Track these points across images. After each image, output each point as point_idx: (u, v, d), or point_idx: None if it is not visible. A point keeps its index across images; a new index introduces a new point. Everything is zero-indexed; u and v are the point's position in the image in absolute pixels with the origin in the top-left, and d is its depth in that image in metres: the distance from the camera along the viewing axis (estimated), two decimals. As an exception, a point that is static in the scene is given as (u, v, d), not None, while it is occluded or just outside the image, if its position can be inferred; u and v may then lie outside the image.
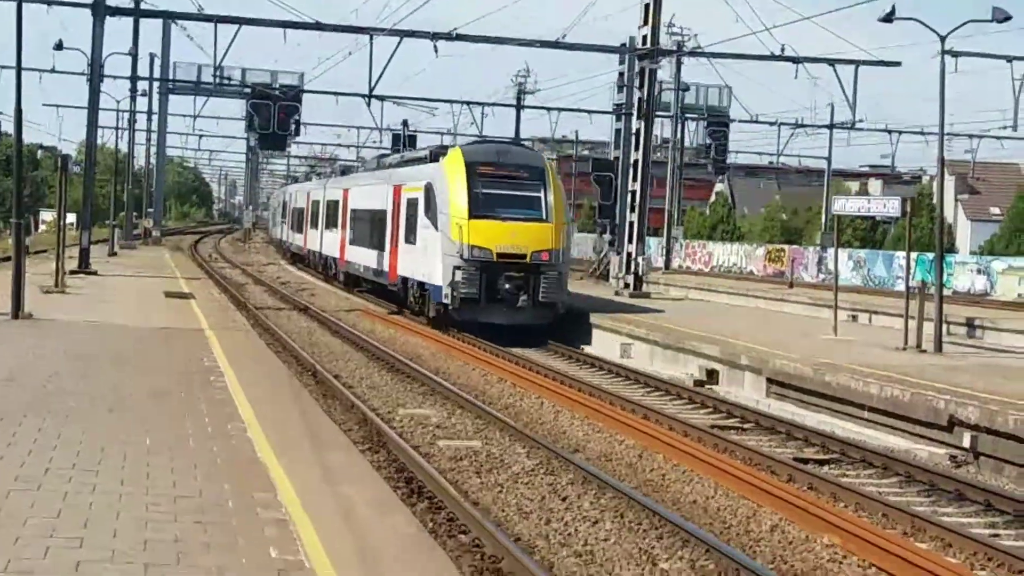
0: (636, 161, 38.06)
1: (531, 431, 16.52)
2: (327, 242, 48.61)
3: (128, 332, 21.15)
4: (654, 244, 63.56)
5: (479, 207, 28.92)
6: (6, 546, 7.47)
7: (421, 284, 31.27)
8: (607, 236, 52.13)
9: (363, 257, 39.55)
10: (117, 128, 75.22)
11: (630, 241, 38.38)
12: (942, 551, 11.48)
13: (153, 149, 76.67)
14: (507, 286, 28.45)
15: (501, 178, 29.58)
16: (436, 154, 32.35)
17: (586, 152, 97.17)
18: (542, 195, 29.45)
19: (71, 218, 52.50)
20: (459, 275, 28.45)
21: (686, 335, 25.05)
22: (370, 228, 38.37)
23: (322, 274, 50.01)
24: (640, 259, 38.34)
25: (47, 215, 73.15)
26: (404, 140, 64.28)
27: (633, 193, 38.13)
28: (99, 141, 56.32)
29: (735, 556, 10.51)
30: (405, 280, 33.10)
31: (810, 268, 59.14)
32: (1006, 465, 15.65)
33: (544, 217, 29.20)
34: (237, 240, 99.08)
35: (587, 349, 28.08)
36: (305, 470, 10.31)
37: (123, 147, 73.96)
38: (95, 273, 37.12)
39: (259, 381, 16.07)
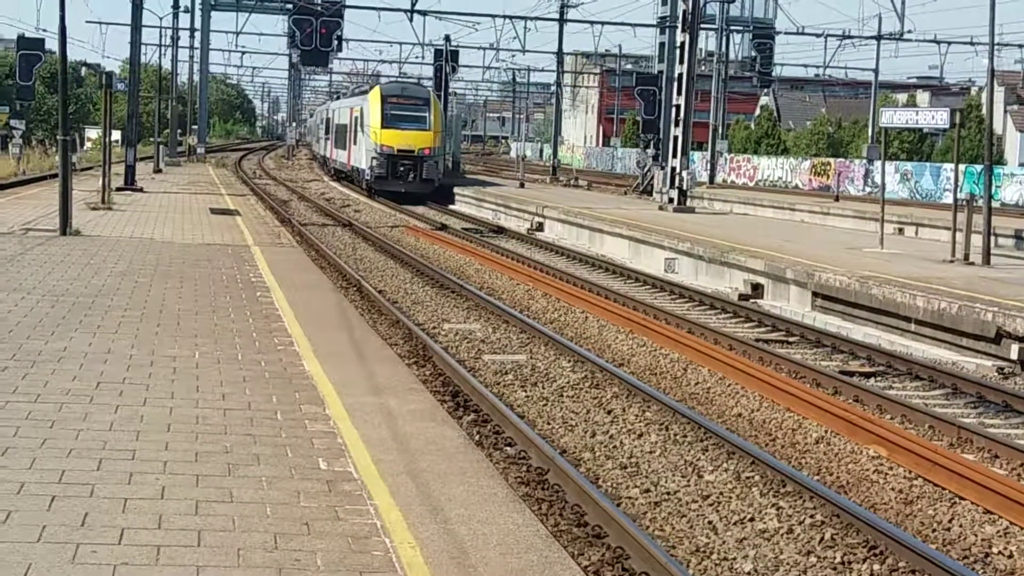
0: (680, 75, 37.67)
1: (576, 345, 16.55)
2: (324, 147, 70.27)
3: (174, 248, 21.28)
4: (698, 158, 63.13)
5: (387, 121, 48.44)
6: (60, 458, 7.58)
7: (357, 169, 52.18)
8: (651, 151, 51.79)
9: (339, 155, 59.74)
10: (160, 45, 75.29)
11: (674, 156, 38.11)
12: (989, 462, 11.45)
13: (196, 66, 76.55)
14: (402, 169, 48.02)
15: (402, 104, 49.25)
16: (368, 89, 53.35)
17: (629, 66, 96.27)
18: (427, 115, 49.00)
19: (116, 136, 52.56)
20: (375, 163, 48.23)
21: (731, 249, 24.93)
22: (343, 136, 57.51)
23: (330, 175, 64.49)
24: (684, 173, 38.09)
25: (92, 133, 73.38)
26: (447, 55, 63.89)
27: (677, 107, 37.80)
28: (143, 59, 56.30)
29: (780, 467, 10.53)
30: (354, 167, 53.18)
31: (856, 181, 58.61)
32: (1054, 378, 15.55)
33: (427, 128, 48.68)
34: (281, 157, 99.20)
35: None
36: (352, 384, 10.38)
37: (167, 64, 73.89)
38: (141, 190, 37.32)
39: (305, 296, 16.16)
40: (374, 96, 49.87)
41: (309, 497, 7.09)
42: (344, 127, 56.87)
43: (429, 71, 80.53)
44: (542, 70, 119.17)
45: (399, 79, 70.97)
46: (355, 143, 52.84)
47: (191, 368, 10.65)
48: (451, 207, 46.11)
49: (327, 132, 70.07)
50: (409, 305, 20.28)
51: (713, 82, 61.33)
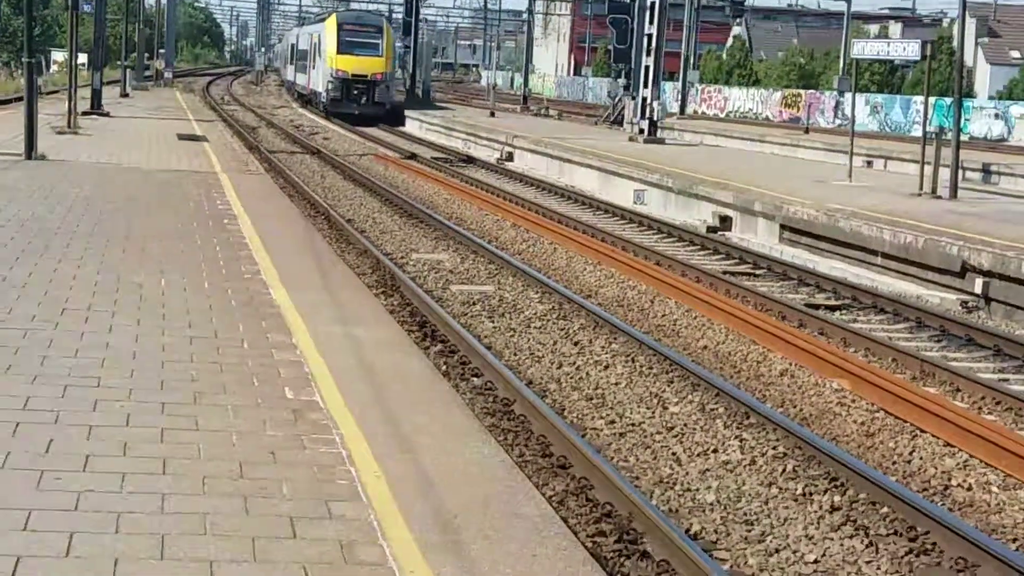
0: (653, 3, 37.44)
1: (544, 276, 16.57)
2: (289, 72, 73.80)
3: (141, 174, 21.12)
4: (669, 89, 62.88)
5: (342, 47, 52.08)
6: (25, 385, 7.57)
7: (315, 92, 56.82)
8: (622, 81, 51.57)
9: (300, 80, 64.58)
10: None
11: (645, 86, 37.97)
12: (950, 395, 11.58)
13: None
14: (355, 92, 51.85)
15: (357, 32, 52.86)
16: (324, 17, 58.14)
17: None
18: (380, 42, 52.69)
19: (82, 59, 51.97)
20: (330, 86, 52.17)
21: (700, 181, 24.94)
22: (304, 61, 61.91)
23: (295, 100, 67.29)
24: (655, 104, 37.99)
25: (58, 55, 72.48)
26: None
27: (649, 36, 37.61)
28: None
29: (744, 399, 10.61)
30: (313, 91, 58.01)
31: (826, 113, 58.60)
32: (1017, 311, 15.71)
33: (380, 54, 52.51)
34: (250, 83, 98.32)
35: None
36: (319, 313, 10.38)
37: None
38: (107, 115, 36.95)
39: (273, 224, 16.09)
40: (330, 24, 54.04)
41: (275, 426, 7.11)
42: (305, 52, 61.52)
43: (400, -3, 79.78)
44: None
45: (354, 10, 74.73)
46: (314, 68, 57.50)
47: (157, 295, 10.61)
48: (417, 135, 46.81)
49: (292, 58, 72.66)
50: (377, 235, 20.23)
51: (685, 11, 61.06)
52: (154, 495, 5.88)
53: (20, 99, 29.28)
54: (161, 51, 73.00)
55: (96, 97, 38.49)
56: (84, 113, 34.47)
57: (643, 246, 19.73)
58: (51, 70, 65.06)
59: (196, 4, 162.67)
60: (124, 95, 50.87)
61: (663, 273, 16.89)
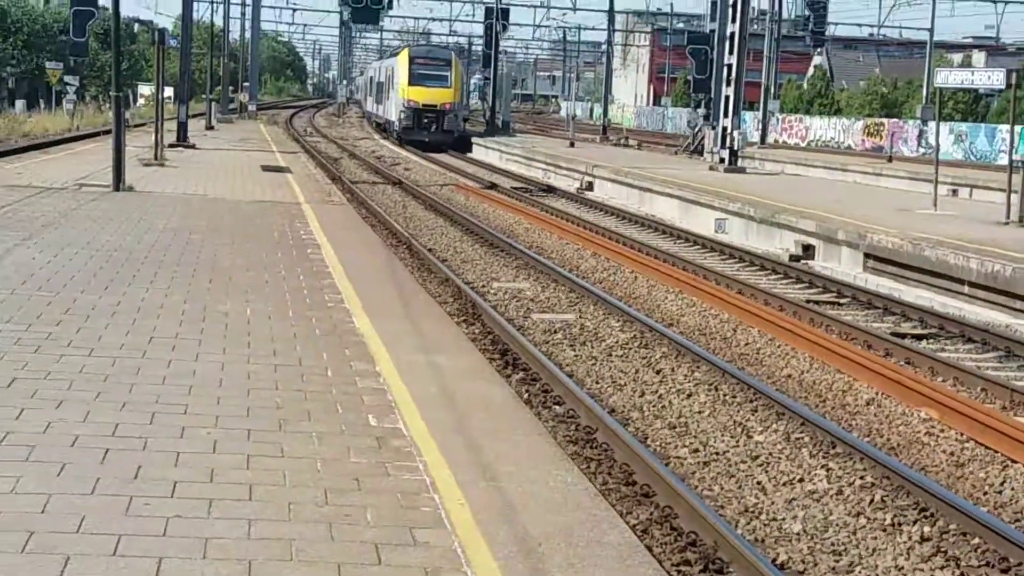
0: (732, 33, 37.30)
1: (626, 305, 16.51)
2: (369, 103, 79.14)
3: (226, 205, 21.37)
4: (750, 119, 62.61)
5: (414, 80, 56.17)
6: (113, 412, 7.64)
7: (389, 121, 61.75)
8: (701, 111, 51.40)
9: (378, 110, 69.66)
10: (212, 1, 75.15)
11: (725, 115, 37.80)
12: (1042, 427, 11.33)
13: (248, 23, 76.66)
14: (425, 120, 55.81)
15: (428, 64, 57.01)
16: (398, 51, 61.77)
17: (681, 25, 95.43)
18: (449, 74, 56.72)
19: (168, 92, 52.83)
20: (403, 115, 56.37)
21: (782, 210, 24.75)
22: (381, 93, 66.86)
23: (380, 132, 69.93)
24: (735, 133, 37.80)
25: (145, 89, 73.74)
26: (497, 13, 63.64)
27: (729, 67, 37.46)
28: (195, 15, 56.43)
29: (830, 428, 10.47)
30: (388, 120, 62.62)
31: (910, 142, 57.97)
32: (1109, 342, 15.35)
33: (448, 85, 56.33)
34: (331, 115, 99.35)
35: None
36: (401, 341, 10.40)
37: (218, 21, 74.04)
38: (193, 147, 37.49)
39: (355, 254, 16.19)
40: (403, 57, 58.31)
41: (359, 453, 7.12)
42: (382, 85, 66.46)
43: (479, 29, 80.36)
44: (593, 29, 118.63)
45: (428, 43, 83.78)
46: (388, 99, 62.42)
47: (243, 324, 10.69)
48: (497, 165, 47.19)
49: (371, 90, 76.21)
50: (458, 263, 20.29)
51: (765, 41, 60.77)
52: (241, 521, 5.90)
53: (108, 132, 29.79)
54: (245, 84, 73.93)
55: (182, 129, 39.08)
56: (170, 145, 35.00)
57: (725, 275, 19.60)
58: (138, 103, 66.21)
59: (279, 38, 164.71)
60: (209, 127, 51.59)
61: (745, 302, 16.75)
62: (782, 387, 12.64)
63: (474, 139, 57.31)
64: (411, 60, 56.94)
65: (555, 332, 14.77)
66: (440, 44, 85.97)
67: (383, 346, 10.10)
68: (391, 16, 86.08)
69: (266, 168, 30.98)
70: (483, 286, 18.00)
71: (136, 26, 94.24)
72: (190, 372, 8.80)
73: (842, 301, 18.10)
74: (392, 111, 59.58)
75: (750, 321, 15.79)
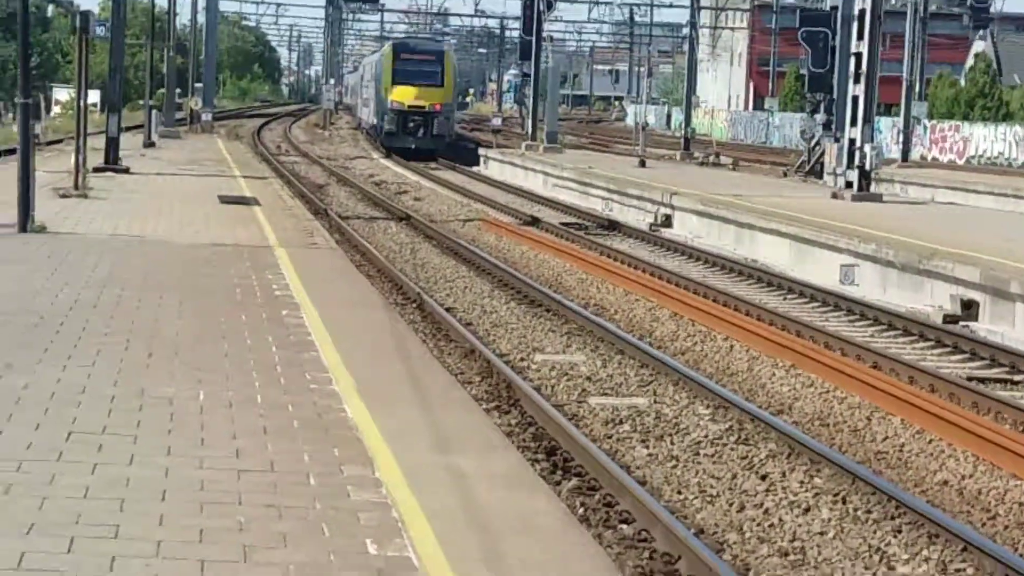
0: (862, 11, 37.40)
1: (718, 385, 16.47)
2: (360, 109, 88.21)
3: (171, 250, 21.48)
4: (886, 127, 62.70)
5: (398, 77, 65.72)
6: (16, 539, 7.63)
7: (373, 125, 71.87)
8: (819, 117, 51.44)
9: (364, 114, 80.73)
10: (153, -25, 76.03)
11: (853, 123, 37.80)
12: None
13: (202, 3, 77.40)
14: (412, 125, 64.94)
15: (415, 60, 66.41)
16: (382, 47, 73.84)
17: (792, 0, 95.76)
18: (440, 71, 66.32)
19: (94, 97, 53.33)
20: (386, 119, 65.81)
21: (933, 252, 24.69)
22: (367, 93, 76.87)
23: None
24: (867, 148, 37.78)
25: (62, 93, 74.50)
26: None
27: (857, 56, 37.50)
28: (129, -7, 56.94)
29: (1005, 557, 10.39)
30: (371, 124, 72.94)
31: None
32: None
33: (439, 84, 66.10)
34: (314, 125, 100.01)
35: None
36: (410, 436, 10.40)
37: (162, 1, 74.84)
38: (127, 170, 37.78)
39: (347, 316, 16.23)
40: (387, 52, 67.86)
41: (353, 592, 7.11)
42: (367, 84, 77.49)
43: (515, 8, 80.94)
44: (670, 6, 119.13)
45: (416, 35, 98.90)
46: (372, 100, 72.09)
47: (193, 413, 10.72)
48: (540, 192, 47.21)
49: (362, 90, 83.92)
50: (488, 328, 20.31)
51: (908, 22, 60.88)
52: None
53: (12, 152, 30.03)
54: (198, 85, 74.57)
55: (112, 148, 39.35)
56: (96, 169, 35.30)
57: (854, 342, 19.53)
58: (52, 113, 66.82)
59: (244, 23, 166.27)
60: (149, 144, 52.02)
61: (883, 379, 16.68)
62: (935, 498, 12.55)
63: (489, 152, 60.34)
64: (396, 55, 67.00)
65: (621, 423, 14.74)
66: (430, 36, 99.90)
67: (385, 443, 10.10)
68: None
69: (226, 199, 31.17)
70: (522, 359, 17.99)
71: (50, 8, 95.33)
72: (122, 480, 8.82)
73: (1017, 379, 18.00)
74: (375, 114, 69.95)
75: (890, 407, 15.71)
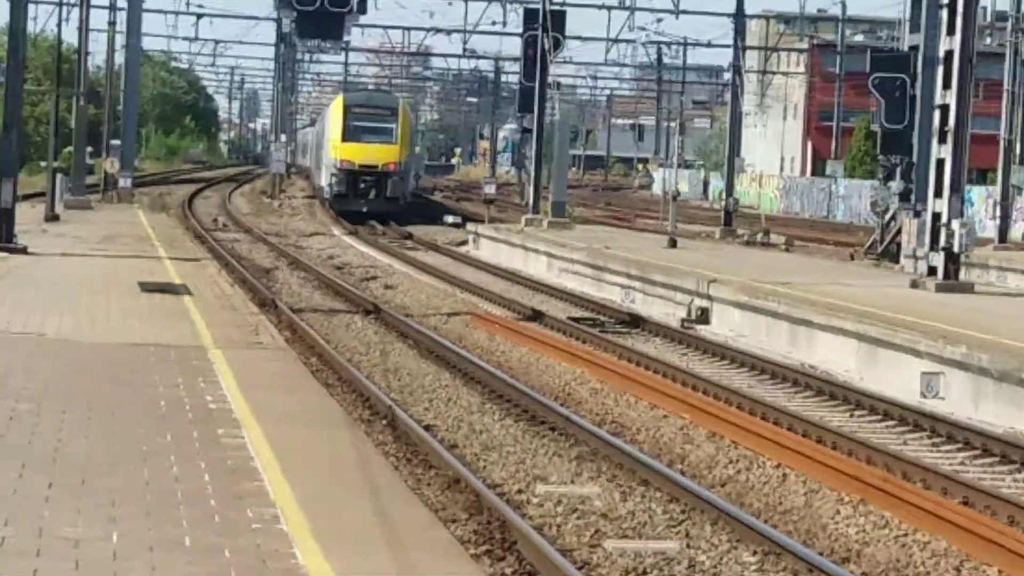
0: (949, 53, 37.58)
1: (767, 525, 16.45)
2: (311, 169, 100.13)
3: (80, 352, 21.47)
4: (979, 198, 62.93)
5: (348, 134, 73.75)
6: None
7: (319, 187, 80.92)
8: (895, 185, 51.59)
9: (317, 177, 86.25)
10: (61, 4, 76.36)
11: (938, 194, 37.89)
12: None
13: (120, 39, 77.74)
14: (363, 186, 73.46)
15: (367, 115, 75.09)
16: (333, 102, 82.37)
17: (860, 38, 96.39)
18: (394, 127, 74.51)
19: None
20: (334, 180, 73.89)
21: (1039, 357, 24.73)
22: (320, 151, 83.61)
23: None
24: (955, 224, 37.84)
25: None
26: (545, 17, 64.06)
27: (944, 109, 37.65)
28: (30, 26, 57.21)
29: None
30: (318, 186, 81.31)
31: None
32: None
33: (393, 141, 74.26)
34: (261, 193, 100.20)
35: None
36: (380, 591, 10.39)
37: (70, 37, 75.19)
38: (24, 250, 37.80)
39: (301, 436, 16.22)
40: (336, 106, 76.26)
41: None
42: (317, 141, 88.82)
43: (514, 46, 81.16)
44: (708, 45, 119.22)
45: (367, 88, 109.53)
46: (319, 159, 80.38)
47: (105, 560, 10.69)
48: (544, 279, 47.48)
49: (318, 149, 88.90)
50: (478, 451, 20.30)
51: (1007, 65, 61.19)
52: None
53: None
54: (115, 143, 74.68)
55: (6, 222, 39.36)
56: (-16, 249, 35.29)
57: (940, 472, 19.52)
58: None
59: (174, 64, 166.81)
60: (53, 217, 52.09)
61: (976, 520, 16.66)
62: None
63: (480, 228, 62.48)
64: (346, 109, 75.47)
65: (645, 573, 14.71)
66: (381, 88, 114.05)
67: (347, 602, 10.08)
68: (361, 25, 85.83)
69: (148, 287, 31.18)
70: (520, 492, 17.98)
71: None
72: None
73: None
74: (323, 174, 77.71)
75: (984, 554, 15.68)
